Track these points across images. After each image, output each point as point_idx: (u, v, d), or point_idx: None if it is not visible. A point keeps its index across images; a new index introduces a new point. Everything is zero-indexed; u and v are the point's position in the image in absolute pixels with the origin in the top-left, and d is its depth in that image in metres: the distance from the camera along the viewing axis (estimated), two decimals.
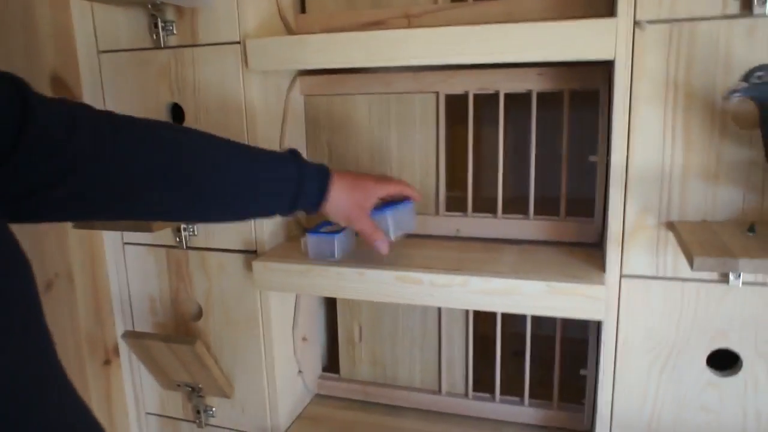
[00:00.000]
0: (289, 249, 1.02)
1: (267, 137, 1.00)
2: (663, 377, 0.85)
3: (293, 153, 0.80)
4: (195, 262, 1.06)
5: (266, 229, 1.01)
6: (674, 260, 0.82)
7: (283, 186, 0.76)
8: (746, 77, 0.66)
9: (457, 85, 0.99)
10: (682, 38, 0.75)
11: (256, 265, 0.96)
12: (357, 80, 1.05)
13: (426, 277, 0.88)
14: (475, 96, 0.99)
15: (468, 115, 0.99)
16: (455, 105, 1.02)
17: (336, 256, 0.94)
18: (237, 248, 1.04)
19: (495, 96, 0.97)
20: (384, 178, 0.89)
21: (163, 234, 1.07)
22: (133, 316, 1.15)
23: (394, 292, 0.90)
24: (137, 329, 1.14)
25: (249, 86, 0.96)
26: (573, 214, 0.98)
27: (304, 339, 1.14)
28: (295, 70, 1.06)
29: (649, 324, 0.84)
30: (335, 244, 0.94)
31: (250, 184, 0.72)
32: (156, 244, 1.09)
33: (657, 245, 0.82)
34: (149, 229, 0.94)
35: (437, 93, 1.01)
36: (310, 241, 0.95)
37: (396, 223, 0.89)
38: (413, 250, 0.97)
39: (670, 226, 0.81)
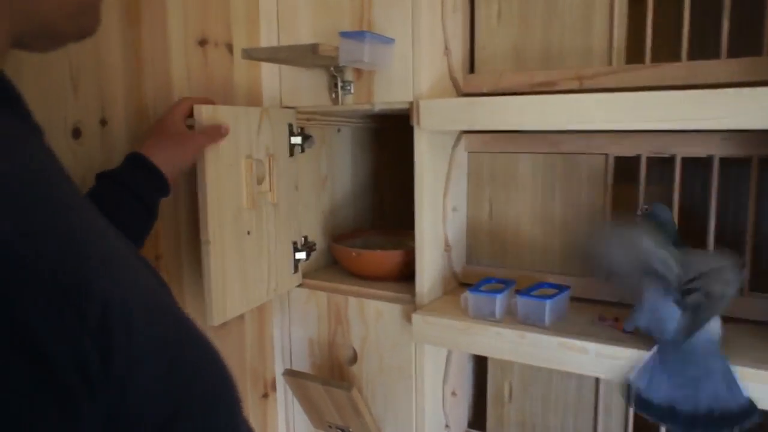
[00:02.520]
0: (448, 303, 1.03)
1: (432, 191, 1.03)
2: None
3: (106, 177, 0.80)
4: (354, 309, 1.11)
5: (426, 281, 1.03)
6: None
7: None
8: None
9: (629, 147, 0.96)
10: None
11: (416, 317, 0.98)
12: (523, 139, 1.05)
13: (592, 346, 0.85)
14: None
15: (639, 177, 0.95)
16: (620, 162, 0.99)
17: (497, 315, 0.94)
18: (396, 298, 1.07)
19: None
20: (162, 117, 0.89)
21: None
22: (292, 354, 1.21)
23: (556, 359, 0.87)
24: (295, 368, 1.20)
25: (418, 143, 0.99)
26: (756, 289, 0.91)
27: (453, 394, 1.13)
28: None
29: None
30: (496, 303, 0.93)
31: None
32: (318, 288, 1.15)
33: None
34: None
35: (606, 155, 0.98)
36: (471, 298, 0.95)
37: (553, 311, 0.91)
38: (577, 317, 0.95)
39: None
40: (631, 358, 0.82)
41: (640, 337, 0.84)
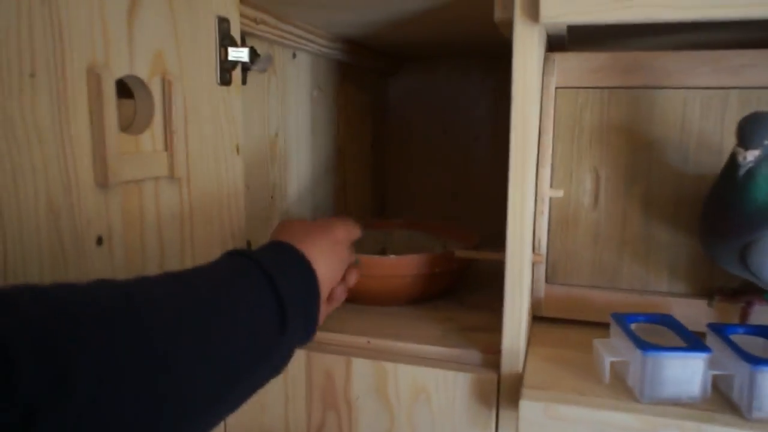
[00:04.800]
0: (554, 367, 0.54)
1: (532, 154, 0.53)
2: None
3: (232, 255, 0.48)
4: (365, 380, 0.58)
5: (521, 320, 0.54)
6: None
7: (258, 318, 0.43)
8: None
9: None
10: None
11: (529, 408, 0.48)
12: (659, 62, 0.59)
13: None
14: None
15: None
16: None
17: (699, 394, 0.47)
18: (455, 360, 0.56)
19: None
20: (327, 226, 0.56)
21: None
22: None
23: None
24: None
25: (525, 56, 0.50)
26: None
27: None
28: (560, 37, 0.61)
29: None
30: (700, 370, 0.47)
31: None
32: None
33: None
34: None
35: None
36: (648, 363, 0.47)
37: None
38: None
39: None
40: None
41: None
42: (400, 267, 0.65)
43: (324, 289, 0.51)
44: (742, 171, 0.48)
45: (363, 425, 0.59)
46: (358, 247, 0.76)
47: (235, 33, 0.56)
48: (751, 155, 0.47)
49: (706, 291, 0.61)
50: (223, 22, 0.54)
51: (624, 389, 0.50)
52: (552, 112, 0.63)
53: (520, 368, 0.54)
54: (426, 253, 0.67)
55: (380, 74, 1.07)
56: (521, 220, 0.53)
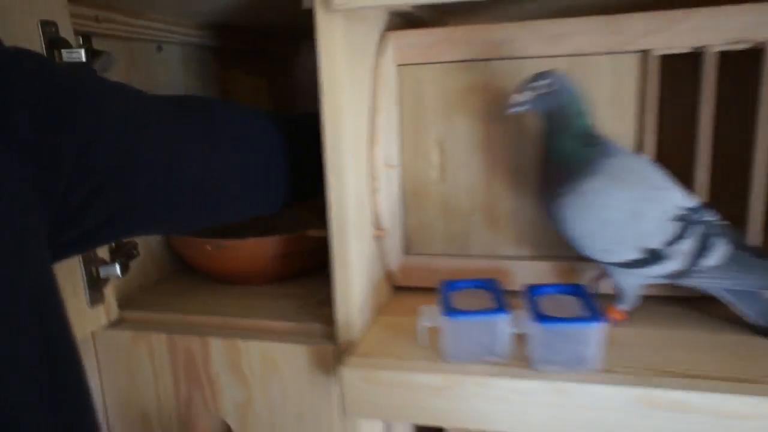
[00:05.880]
0: (391, 335, 0.58)
1: (353, 132, 0.55)
2: None
3: None
4: (222, 357, 0.61)
5: (355, 295, 0.57)
6: None
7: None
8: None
9: (683, 36, 0.56)
10: None
11: (349, 374, 0.52)
12: (493, 35, 0.61)
13: (708, 400, 0.44)
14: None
15: (702, 83, 0.56)
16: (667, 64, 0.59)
17: (499, 352, 0.51)
18: (301, 330, 0.59)
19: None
20: None
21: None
22: None
23: (636, 426, 0.46)
24: None
25: (328, 41, 0.51)
26: None
27: None
28: (386, 19, 0.63)
29: None
30: (498, 329, 0.50)
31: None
32: (150, 325, 0.64)
33: None
34: None
35: (645, 52, 0.58)
36: (452, 328, 0.51)
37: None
38: (630, 329, 0.54)
39: None
40: None
41: None
42: (258, 249, 0.68)
43: None
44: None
45: (225, 398, 0.63)
46: (245, 227, 0.79)
47: (67, 35, 0.58)
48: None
49: (552, 254, 0.65)
50: (49, 26, 0.56)
51: (438, 352, 0.53)
52: (391, 90, 0.65)
53: (355, 337, 0.57)
54: (280, 236, 0.70)
55: (278, 57, 1.08)
56: (340, 199, 0.55)
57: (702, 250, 0.51)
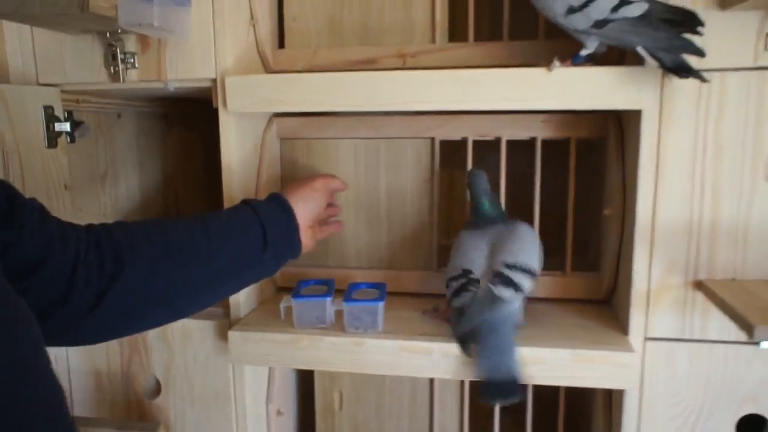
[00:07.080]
0: (268, 314, 0.89)
1: (243, 186, 0.88)
2: None
3: (244, 201, 0.76)
4: (155, 330, 0.91)
5: (242, 295, 0.88)
6: (702, 321, 0.76)
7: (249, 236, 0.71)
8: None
9: (455, 131, 0.91)
10: (712, 88, 0.71)
11: (233, 335, 0.83)
12: (341, 123, 0.95)
13: (435, 346, 0.78)
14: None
15: (466, 160, 0.91)
16: (449, 147, 0.94)
17: (327, 321, 0.83)
18: (206, 314, 0.90)
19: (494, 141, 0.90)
20: (310, 179, 0.81)
21: None
22: (72, 393, 0.97)
23: (399, 365, 0.79)
24: (77, 412, 0.96)
25: (225, 130, 0.84)
26: (576, 268, 0.92)
27: (279, 413, 1.00)
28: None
29: (674, 389, 0.78)
30: (326, 307, 0.82)
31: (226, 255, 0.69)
32: None
33: (684, 305, 0.76)
34: None
35: (432, 139, 0.93)
36: (296, 307, 0.83)
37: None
38: (408, 312, 0.87)
39: (699, 285, 0.75)
40: None
41: None
42: None
43: (302, 221, 0.75)
44: None
45: (155, 359, 0.93)
46: None
47: (59, 113, 0.88)
48: None
49: (383, 266, 0.98)
50: (48, 108, 0.86)
51: (290, 322, 0.85)
52: (274, 156, 0.97)
53: (241, 317, 0.88)
54: None
55: (207, 119, 1.40)
56: None
57: None
